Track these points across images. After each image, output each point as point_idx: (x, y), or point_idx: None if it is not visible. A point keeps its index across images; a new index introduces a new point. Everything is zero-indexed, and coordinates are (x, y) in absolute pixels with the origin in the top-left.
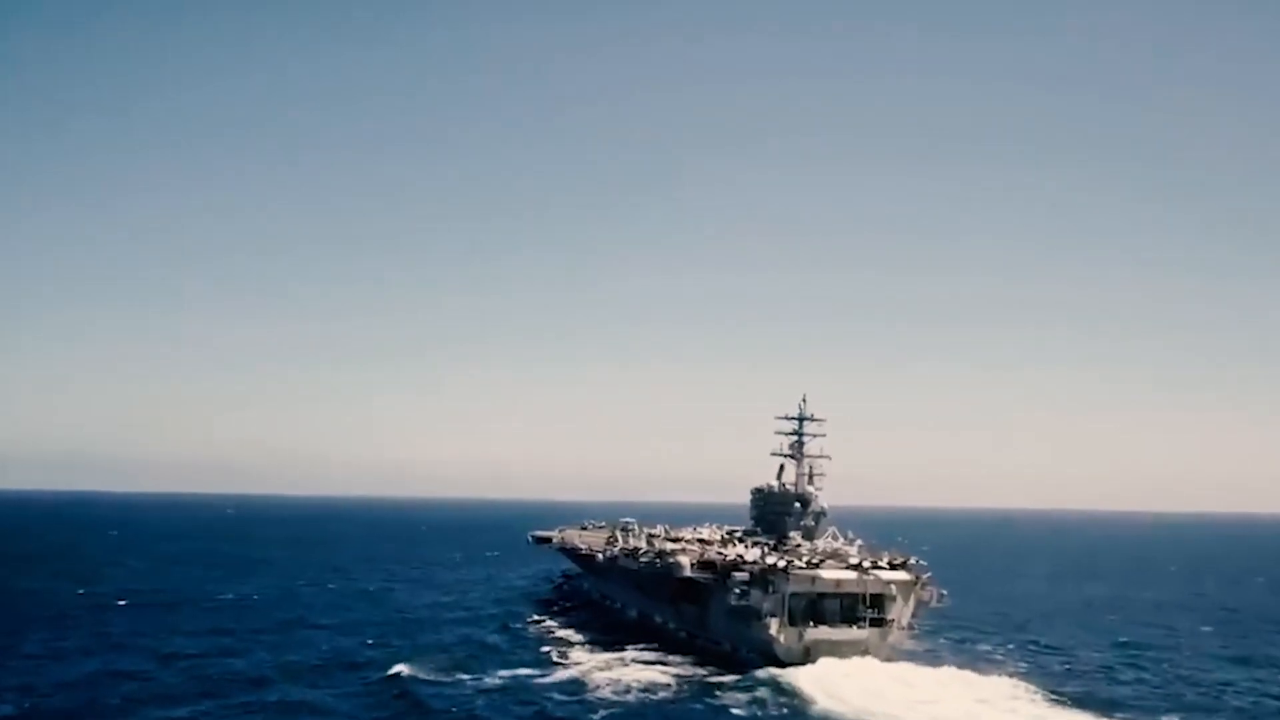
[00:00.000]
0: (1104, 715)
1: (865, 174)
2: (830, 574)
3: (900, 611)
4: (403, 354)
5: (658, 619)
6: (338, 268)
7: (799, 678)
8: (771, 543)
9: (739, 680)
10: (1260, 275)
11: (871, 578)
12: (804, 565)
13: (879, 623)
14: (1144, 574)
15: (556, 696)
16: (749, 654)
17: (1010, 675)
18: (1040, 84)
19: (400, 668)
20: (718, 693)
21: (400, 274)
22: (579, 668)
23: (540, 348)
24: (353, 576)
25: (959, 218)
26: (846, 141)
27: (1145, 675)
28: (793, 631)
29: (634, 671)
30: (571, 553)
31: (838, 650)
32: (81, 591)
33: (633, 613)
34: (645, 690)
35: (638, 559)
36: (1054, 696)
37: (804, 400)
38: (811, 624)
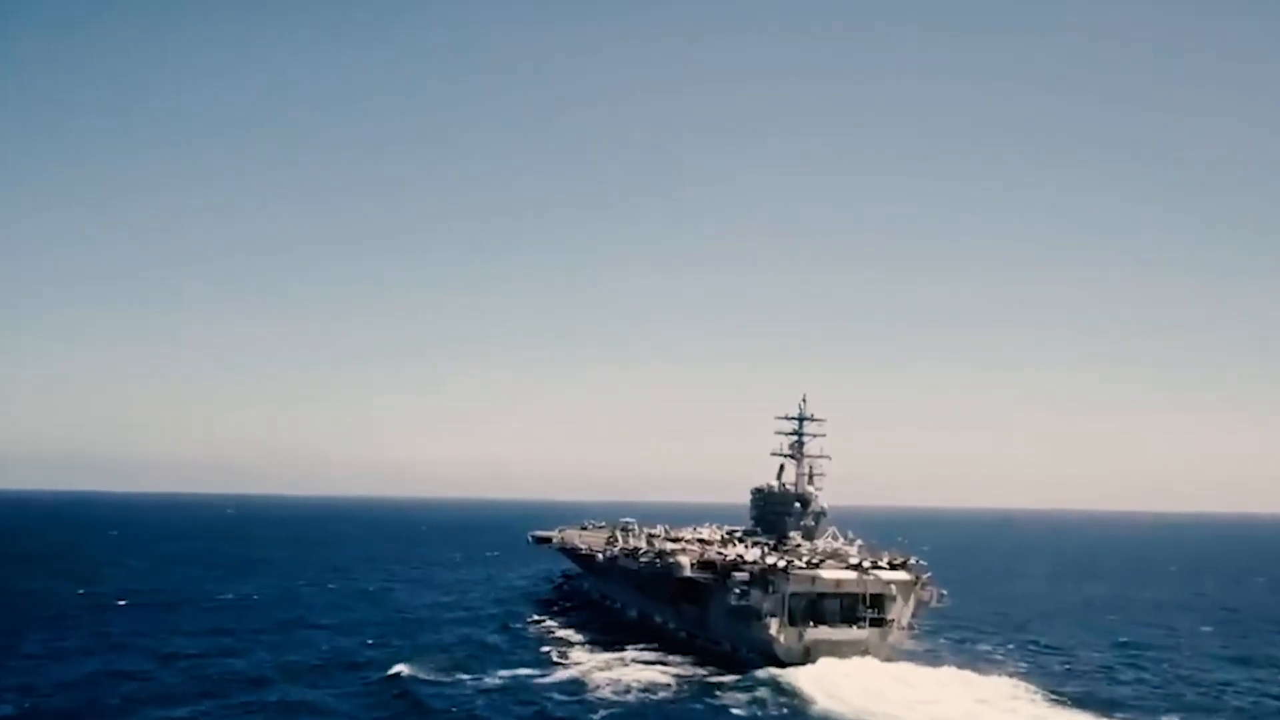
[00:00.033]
0: (1104, 715)
1: (865, 174)
2: (830, 574)
3: (900, 611)
4: (403, 354)
5: (658, 619)
6: (338, 268)
7: (799, 678)
8: (771, 543)
9: (739, 680)
10: (1260, 275)
11: (871, 578)
12: (804, 565)
13: (879, 623)
14: (1144, 574)
15: (556, 696)
16: (749, 654)
17: (1010, 675)
18: (1040, 84)
19: (400, 668)
20: (718, 693)
21: (400, 274)
22: (579, 668)
23: (540, 348)
24: (353, 576)
25: (959, 218)
26: (846, 141)
27: (1145, 675)
28: (793, 631)
29: (634, 671)
30: (571, 553)
31: (838, 650)
32: (81, 591)
33: (633, 613)
34: (645, 690)
35: (638, 559)
36: (1054, 696)
37: (804, 400)
38: (811, 624)
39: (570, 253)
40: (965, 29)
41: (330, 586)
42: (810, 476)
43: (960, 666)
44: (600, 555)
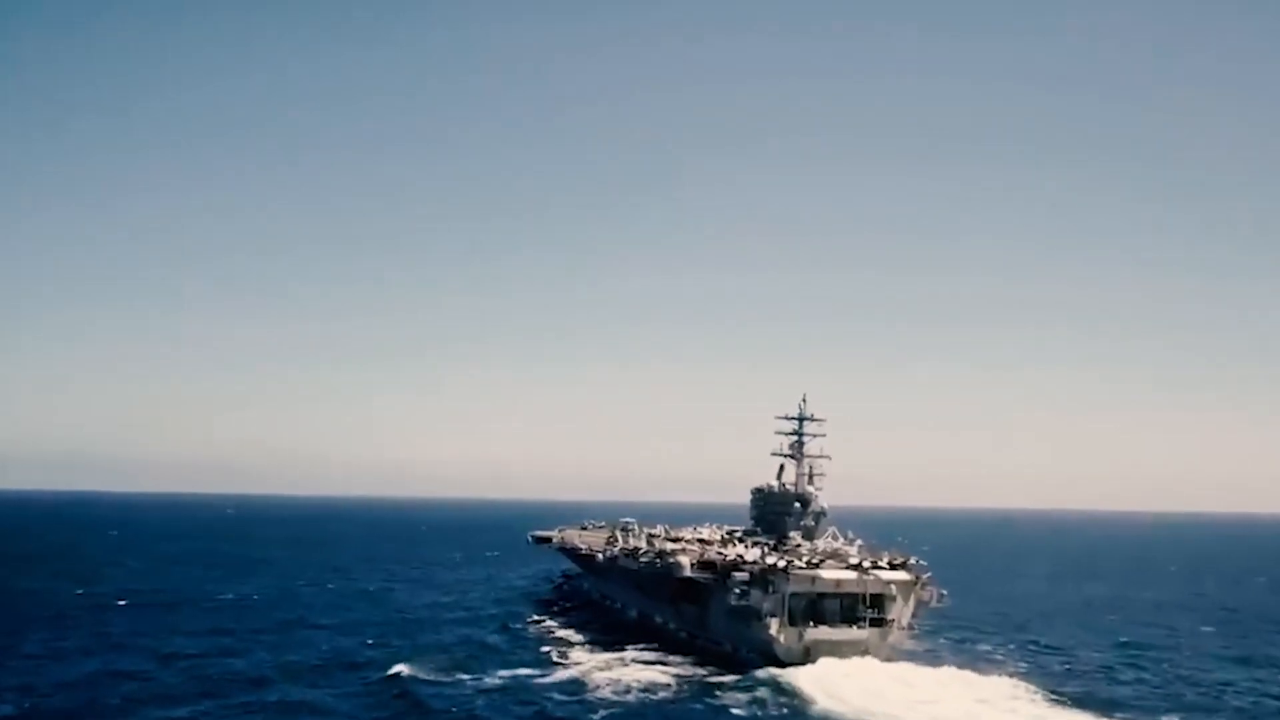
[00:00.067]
0: (1105, 715)
1: (865, 174)
2: (830, 574)
3: (900, 611)
4: (403, 354)
5: (658, 619)
6: (338, 268)
7: (799, 678)
8: (771, 543)
9: (739, 680)
10: (1260, 275)
11: (871, 578)
12: (804, 565)
13: (879, 623)
14: (1144, 574)
15: (556, 697)
16: (749, 654)
17: (1010, 675)
18: (1040, 84)
19: (400, 668)
20: (718, 693)
21: (400, 274)
22: (579, 668)
23: (540, 348)
24: (353, 576)
25: (959, 218)
26: (846, 141)
27: (1146, 675)
28: (793, 631)
29: (634, 672)
30: (571, 553)
31: (838, 650)
32: (81, 591)
33: (633, 613)
34: (645, 690)
35: (638, 559)
36: (1054, 696)
37: (804, 400)
38: (811, 624)
39: (570, 253)
40: (965, 29)
41: (330, 586)
42: (810, 476)
43: (960, 666)
44: (600, 555)
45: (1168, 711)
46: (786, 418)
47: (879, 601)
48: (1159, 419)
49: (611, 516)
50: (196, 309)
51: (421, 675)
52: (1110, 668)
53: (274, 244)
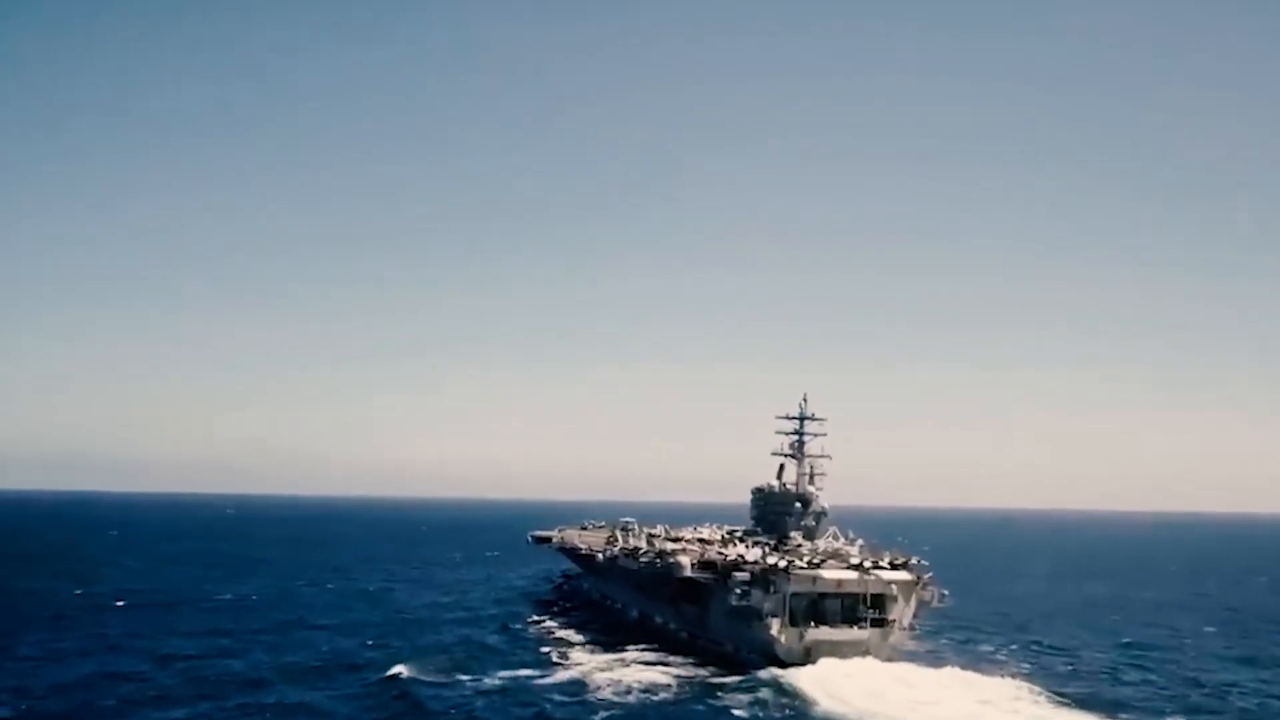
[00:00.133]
0: (1109, 717)
1: (865, 174)
2: (831, 574)
3: (901, 612)
4: (403, 354)
5: (658, 619)
6: (338, 268)
7: (800, 678)
8: (772, 543)
9: (740, 681)
10: (1260, 275)
11: (873, 578)
12: (805, 565)
13: (880, 623)
14: (1145, 574)
15: (557, 698)
16: (750, 654)
17: (1013, 676)
18: (1040, 84)
19: (400, 669)
20: (719, 694)
21: (400, 274)
22: (579, 668)
23: (540, 348)
24: (352, 576)
25: (959, 218)
26: (846, 141)
27: (1150, 676)
28: (794, 632)
29: (635, 672)
30: (571, 553)
31: (839, 651)
32: (80, 592)
33: (633, 613)
34: (646, 691)
35: (638, 559)
36: (1058, 698)
37: (804, 400)
38: (812, 624)
39: (570, 253)
40: (965, 29)
41: (330, 587)
42: (811, 476)
43: (962, 667)
44: (600, 555)
45: (1173, 713)
46: (787, 417)
47: (880, 602)
48: (1159, 419)
49: (611, 516)
50: (196, 309)
51: (421, 676)
52: (1114, 668)
53: (274, 244)
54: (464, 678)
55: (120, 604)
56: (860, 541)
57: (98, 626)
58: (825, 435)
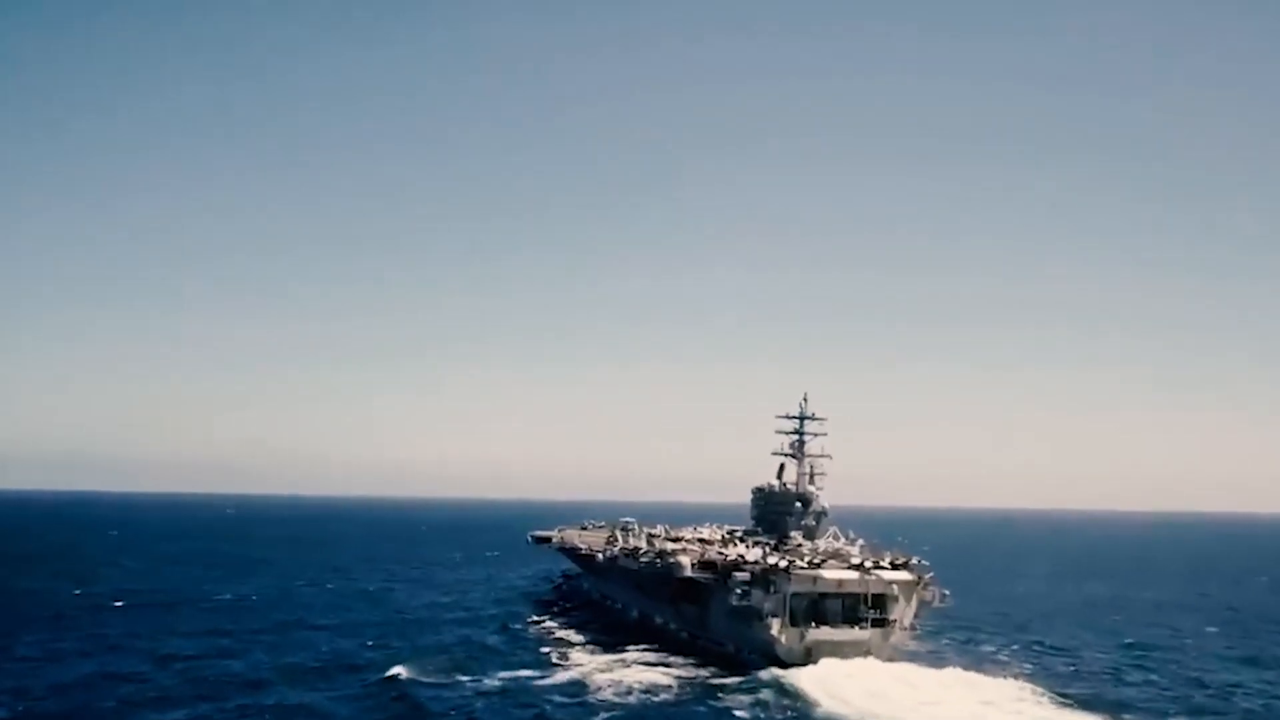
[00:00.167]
0: (1113, 718)
1: (865, 174)
2: (832, 574)
3: (902, 612)
4: (403, 354)
5: (658, 619)
6: (338, 268)
7: (801, 679)
8: (772, 542)
9: (741, 682)
10: (1260, 275)
11: (873, 578)
12: (805, 565)
13: (881, 623)
14: (1145, 574)
15: (557, 698)
16: (750, 655)
17: (1015, 676)
18: (1040, 84)
19: (399, 669)
20: (720, 694)
21: (400, 274)
22: (580, 669)
23: (540, 348)
24: (352, 577)
25: (959, 218)
26: (846, 141)
27: (1152, 677)
28: (794, 632)
29: (635, 673)
30: (571, 553)
31: (840, 651)
32: (79, 592)
33: (633, 613)
34: (647, 692)
35: (638, 559)
36: (1061, 698)
37: (805, 399)
38: (813, 624)
39: (570, 253)
40: (965, 29)
41: (329, 587)
42: (811, 476)
43: (964, 668)
44: (600, 555)
45: (1177, 714)
46: (787, 417)
47: (881, 602)
48: (1159, 419)
49: (611, 516)
50: (196, 309)
51: (420, 677)
52: (1116, 669)
53: (274, 244)
54: (464, 678)
55: (120, 604)
56: (861, 541)
57: (97, 627)
58: (825, 435)
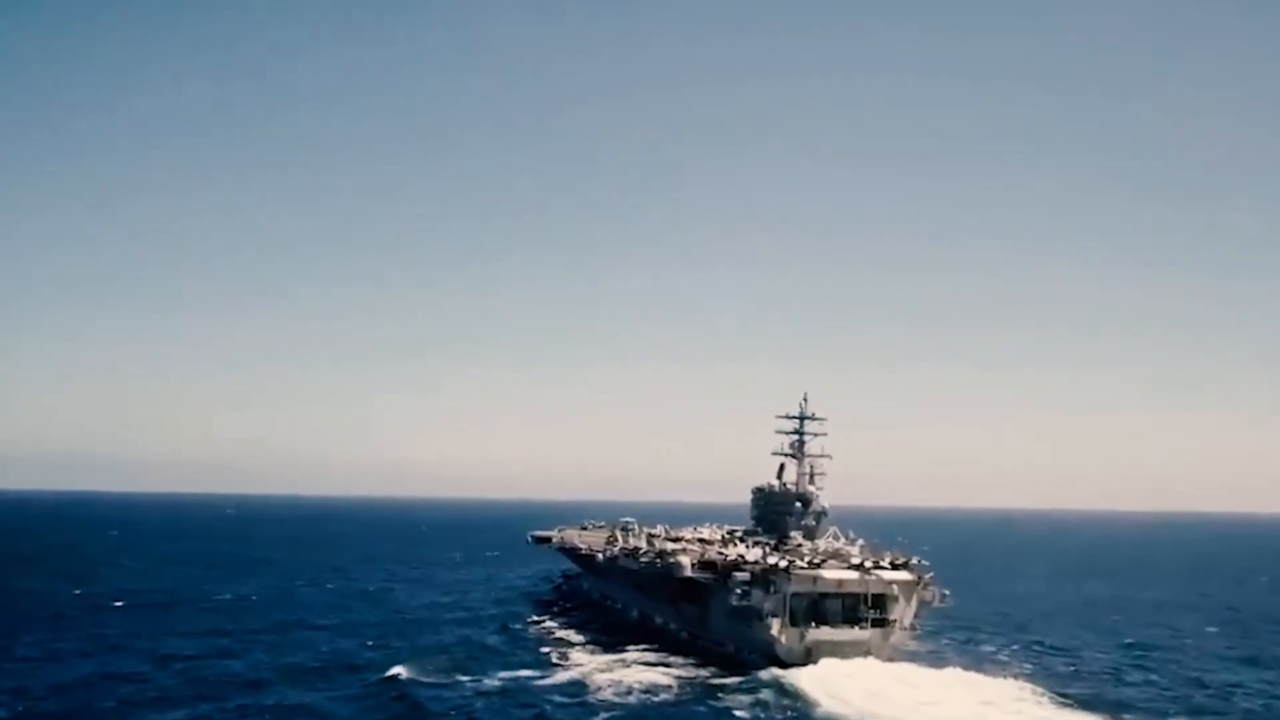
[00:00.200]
0: (1113, 718)
1: (865, 174)
2: (832, 574)
3: (903, 612)
4: (403, 354)
5: (658, 619)
6: (338, 268)
7: (801, 679)
8: (772, 542)
9: (741, 682)
10: (1260, 275)
11: (874, 578)
12: (806, 565)
13: (881, 623)
14: (1145, 574)
15: (557, 698)
16: (750, 655)
17: (1015, 677)
18: (1040, 84)
19: (399, 669)
20: (720, 694)
21: (400, 274)
22: (580, 669)
23: (540, 348)
24: (352, 576)
25: (959, 218)
26: (846, 141)
27: (1153, 677)
28: (794, 632)
29: (635, 673)
30: (571, 553)
31: (840, 651)
32: (79, 592)
33: (633, 613)
34: (647, 692)
35: (638, 559)
36: (1061, 698)
37: (805, 399)
38: (813, 624)
39: (570, 253)
40: (965, 29)
41: (329, 587)
42: (811, 476)
43: (964, 668)
44: (600, 555)
45: (1177, 714)
46: (787, 417)
47: (881, 602)
48: (1159, 419)
49: (611, 516)
50: (196, 309)
51: (420, 677)
52: (1116, 669)
53: (274, 244)
54: (464, 678)
55: (120, 604)
56: (861, 541)
57: (97, 627)
58: (825, 435)
